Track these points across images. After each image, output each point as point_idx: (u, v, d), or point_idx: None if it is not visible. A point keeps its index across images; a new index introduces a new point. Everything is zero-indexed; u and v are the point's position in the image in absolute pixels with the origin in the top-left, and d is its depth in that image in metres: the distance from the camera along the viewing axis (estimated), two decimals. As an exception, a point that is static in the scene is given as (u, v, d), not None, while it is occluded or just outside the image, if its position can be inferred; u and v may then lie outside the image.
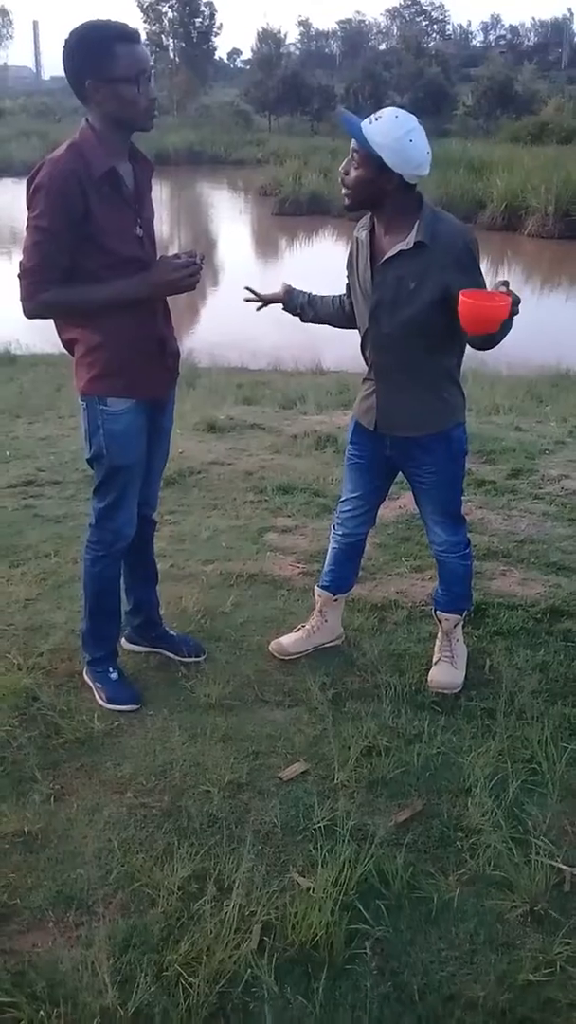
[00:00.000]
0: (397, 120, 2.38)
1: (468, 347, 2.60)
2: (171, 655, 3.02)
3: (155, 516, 2.99)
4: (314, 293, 2.94)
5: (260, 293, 2.93)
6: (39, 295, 2.36)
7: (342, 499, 3.00)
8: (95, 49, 2.28)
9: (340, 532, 3.02)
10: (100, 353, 2.51)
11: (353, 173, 2.45)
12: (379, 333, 2.61)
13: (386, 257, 2.51)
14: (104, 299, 2.42)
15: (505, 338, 2.44)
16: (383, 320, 2.58)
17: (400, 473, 2.90)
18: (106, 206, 2.35)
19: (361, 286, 2.62)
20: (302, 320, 2.97)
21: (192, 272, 2.45)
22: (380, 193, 2.45)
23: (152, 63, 2.42)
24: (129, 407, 2.57)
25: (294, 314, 2.95)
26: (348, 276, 2.74)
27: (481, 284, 2.48)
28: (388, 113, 2.40)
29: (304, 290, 2.94)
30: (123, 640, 3.04)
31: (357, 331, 2.74)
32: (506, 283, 2.30)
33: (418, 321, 2.52)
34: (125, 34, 2.30)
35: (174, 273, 2.43)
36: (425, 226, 2.44)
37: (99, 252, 2.37)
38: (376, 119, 2.38)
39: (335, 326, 2.94)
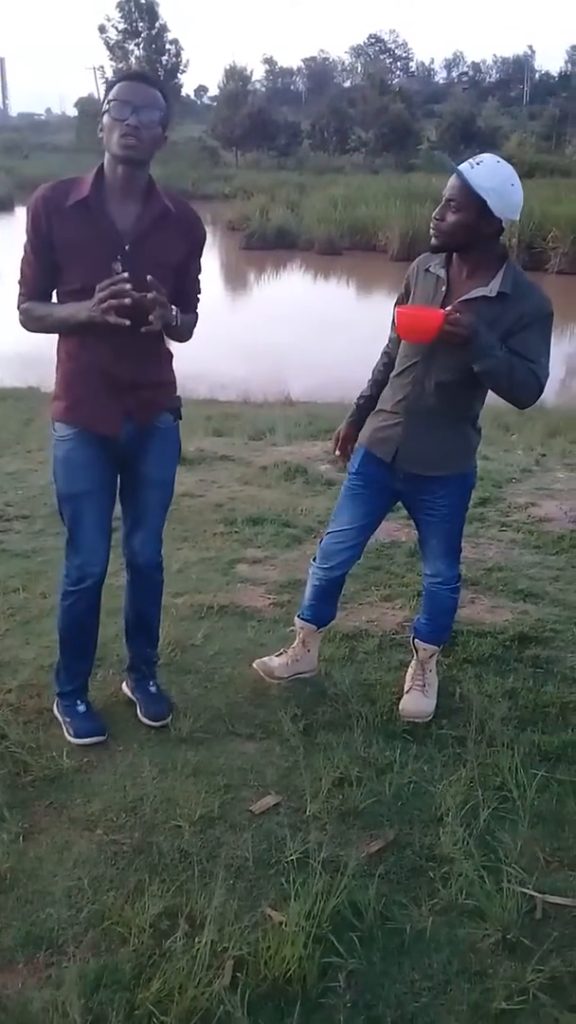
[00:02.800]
0: (499, 165, 2.45)
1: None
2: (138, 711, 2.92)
3: (159, 575, 2.83)
4: (358, 400, 2.91)
5: (341, 456, 2.96)
6: (20, 305, 2.51)
7: (331, 531, 2.92)
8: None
9: (326, 566, 2.93)
10: (57, 374, 2.57)
11: (451, 217, 2.46)
12: (427, 373, 2.59)
13: (464, 298, 2.50)
14: (57, 318, 2.45)
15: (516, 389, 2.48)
16: (439, 359, 2.55)
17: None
18: (73, 236, 2.37)
19: None
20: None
21: (106, 298, 2.29)
22: (476, 237, 2.47)
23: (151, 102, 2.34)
24: (73, 435, 2.55)
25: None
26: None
27: (544, 363, 2.48)
28: (489, 159, 2.46)
29: (351, 412, 2.93)
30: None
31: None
32: (457, 310, 2.37)
33: (471, 365, 2.51)
34: (127, 75, 2.36)
35: (95, 300, 2.32)
36: (511, 277, 2.49)
37: (68, 278, 2.42)
38: (477, 164, 2.44)
39: None
